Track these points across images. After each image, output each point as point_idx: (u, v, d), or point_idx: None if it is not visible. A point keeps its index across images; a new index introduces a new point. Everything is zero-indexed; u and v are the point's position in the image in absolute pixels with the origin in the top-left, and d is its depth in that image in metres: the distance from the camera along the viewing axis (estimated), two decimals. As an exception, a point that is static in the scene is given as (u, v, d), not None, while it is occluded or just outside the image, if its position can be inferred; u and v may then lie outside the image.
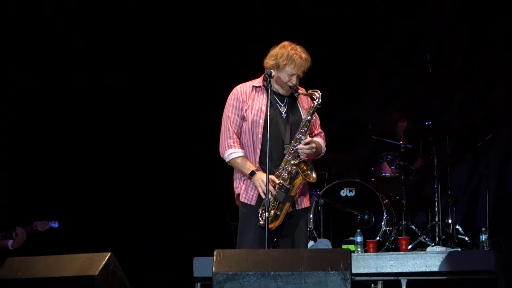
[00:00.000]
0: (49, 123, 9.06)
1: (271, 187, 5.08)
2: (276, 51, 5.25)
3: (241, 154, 5.23)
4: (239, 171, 5.26)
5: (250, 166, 5.18)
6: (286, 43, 5.26)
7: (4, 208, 8.14)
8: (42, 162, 8.92)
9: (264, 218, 5.06)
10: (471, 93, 9.38)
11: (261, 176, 5.12)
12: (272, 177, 5.11)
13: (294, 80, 5.21)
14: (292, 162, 5.14)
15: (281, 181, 5.11)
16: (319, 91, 5.19)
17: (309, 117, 5.19)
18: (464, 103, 9.39)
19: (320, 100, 5.17)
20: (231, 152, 5.23)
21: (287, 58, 5.18)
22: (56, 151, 9.04)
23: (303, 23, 9.36)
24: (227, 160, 5.25)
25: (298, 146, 5.15)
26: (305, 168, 5.14)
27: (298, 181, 5.14)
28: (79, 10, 9.19)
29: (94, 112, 9.28)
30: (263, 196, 5.09)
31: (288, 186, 5.12)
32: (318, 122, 5.41)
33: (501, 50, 9.22)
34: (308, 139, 5.18)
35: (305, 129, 5.18)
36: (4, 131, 8.72)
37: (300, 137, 5.17)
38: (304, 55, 5.20)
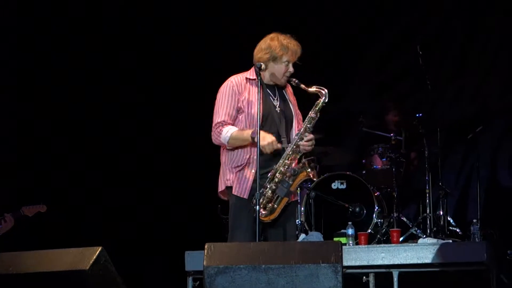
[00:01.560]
0: (43, 113, 9.06)
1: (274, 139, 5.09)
2: (267, 44, 5.25)
3: (235, 128, 5.18)
4: (238, 142, 5.18)
5: (247, 131, 5.14)
6: (273, 34, 5.29)
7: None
8: (31, 148, 8.93)
9: (261, 213, 5.08)
10: (463, 85, 9.39)
11: (265, 134, 5.09)
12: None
13: (291, 68, 5.24)
14: (293, 156, 5.16)
15: (279, 175, 5.12)
16: (325, 89, 5.21)
17: (313, 115, 5.21)
18: (455, 95, 9.40)
19: (327, 99, 5.19)
20: (227, 130, 5.18)
21: (281, 48, 5.21)
22: (45, 139, 9.04)
23: (294, 14, 9.36)
24: (225, 141, 5.18)
25: (301, 143, 5.16)
26: (307, 164, 5.17)
27: (301, 176, 5.17)
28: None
29: (87, 103, 9.27)
30: (269, 150, 5.08)
31: (290, 182, 5.13)
32: (300, 115, 5.43)
33: (494, 42, 9.22)
34: (311, 136, 5.20)
35: (309, 126, 5.20)
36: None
37: (304, 133, 5.18)
38: (296, 42, 5.27)
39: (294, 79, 5.28)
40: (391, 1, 9.58)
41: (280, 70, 5.24)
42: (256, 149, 5.08)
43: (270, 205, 5.12)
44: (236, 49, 8.70)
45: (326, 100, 5.20)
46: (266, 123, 5.18)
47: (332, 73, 9.40)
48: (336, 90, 9.31)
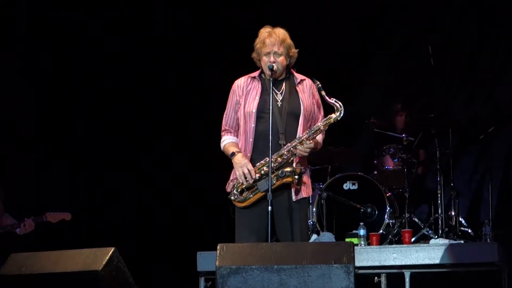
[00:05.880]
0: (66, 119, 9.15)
1: (253, 172, 5.15)
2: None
3: (231, 140, 5.34)
4: (226, 154, 5.33)
5: (233, 149, 5.26)
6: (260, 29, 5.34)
7: (18, 196, 8.19)
8: (60, 154, 9.01)
9: (236, 195, 5.21)
10: (475, 86, 9.37)
11: (241, 160, 5.18)
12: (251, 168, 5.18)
13: (271, 58, 5.22)
14: (287, 155, 5.15)
15: (266, 169, 5.10)
16: (341, 104, 5.19)
17: (322, 127, 5.20)
18: (468, 95, 9.38)
19: (341, 115, 5.18)
20: (223, 140, 5.36)
21: (259, 41, 5.28)
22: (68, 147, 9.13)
23: (305, 14, 9.35)
24: (222, 149, 5.37)
25: (299, 147, 5.15)
26: (299, 171, 5.16)
27: (287, 180, 5.14)
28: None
29: (97, 110, 9.32)
30: (240, 179, 5.17)
31: (273, 181, 5.11)
32: (322, 114, 5.39)
33: (507, 42, 9.19)
34: (312, 144, 5.19)
35: (313, 135, 5.19)
36: (23, 124, 8.82)
37: (306, 140, 5.16)
38: (271, 31, 5.26)
39: (318, 82, 5.26)
40: (402, 2, 9.55)
41: (263, 63, 5.27)
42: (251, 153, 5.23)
43: (246, 193, 5.18)
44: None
45: (339, 118, 5.17)
46: (260, 120, 5.19)
47: (344, 74, 9.39)
48: (348, 90, 9.43)
